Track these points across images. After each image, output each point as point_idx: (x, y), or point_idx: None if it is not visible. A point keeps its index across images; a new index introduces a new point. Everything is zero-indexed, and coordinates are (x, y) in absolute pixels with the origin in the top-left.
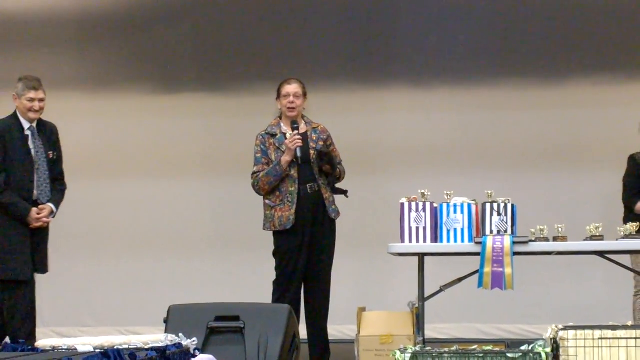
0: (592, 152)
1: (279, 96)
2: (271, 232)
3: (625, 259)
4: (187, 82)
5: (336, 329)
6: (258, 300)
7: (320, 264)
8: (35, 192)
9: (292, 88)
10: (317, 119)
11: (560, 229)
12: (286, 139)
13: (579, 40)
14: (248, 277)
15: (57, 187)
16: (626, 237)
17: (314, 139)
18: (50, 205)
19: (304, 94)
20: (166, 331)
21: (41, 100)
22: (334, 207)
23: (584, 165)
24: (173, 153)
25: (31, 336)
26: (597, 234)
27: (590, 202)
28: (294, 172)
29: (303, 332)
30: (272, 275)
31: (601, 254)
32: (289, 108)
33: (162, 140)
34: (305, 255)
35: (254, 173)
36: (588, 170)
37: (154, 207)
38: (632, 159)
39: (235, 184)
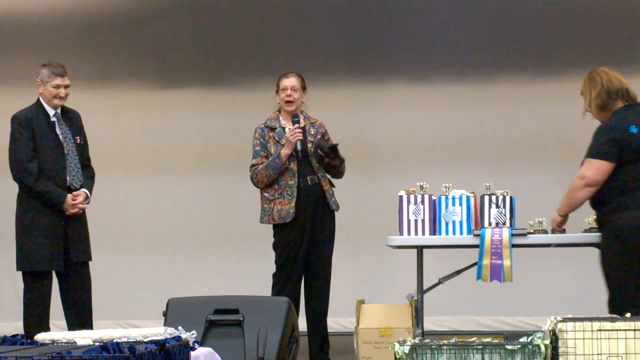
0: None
1: (278, 90)
2: (270, 226)
3: None
4: (186, 78)
5: (335, 322)
6: (257, 294)
7: (321, 256)
8: (67, 178)
9: (289, 82)
10: (316, 114)
11: None
12: (285, 132)
13: (575, 34)
14: (247, 270)
15: (87, 173)
16: None
17: (312, 133)
18: (85, 190)
19: (303, 88)
20: (165, 324)
21: (66, 86)
22: (334, 199)
23: (582, 157)
24: (172, 148)
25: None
26: (596, 226)
27: None
28: (293, 166)
29: (302, 324)
30: (272, 268)
31: (599, 245)
32: (286, 102)
33: (160, 135)
34: (305, 248)
35: (252, 165)
36: None
37: (153, 202)
38: None
39: (234, 179)
